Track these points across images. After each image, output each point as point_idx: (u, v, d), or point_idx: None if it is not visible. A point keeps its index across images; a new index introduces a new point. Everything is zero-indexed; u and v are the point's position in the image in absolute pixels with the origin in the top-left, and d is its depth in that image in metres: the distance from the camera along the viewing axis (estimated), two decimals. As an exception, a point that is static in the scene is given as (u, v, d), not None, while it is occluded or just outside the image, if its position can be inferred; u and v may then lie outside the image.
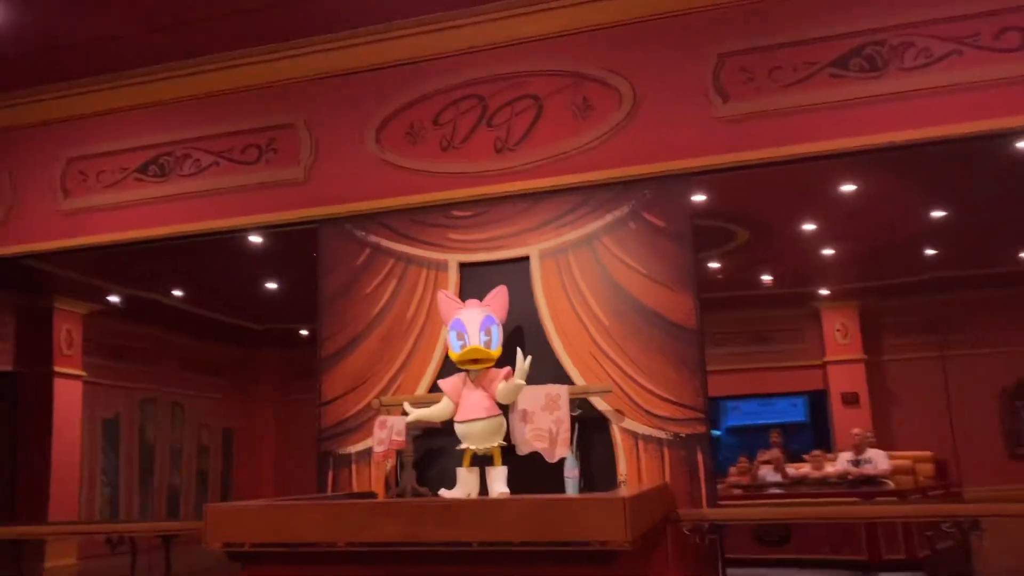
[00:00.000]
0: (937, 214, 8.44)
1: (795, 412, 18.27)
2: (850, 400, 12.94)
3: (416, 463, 4.11)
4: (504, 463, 3.77)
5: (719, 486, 8.63)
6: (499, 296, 3.94)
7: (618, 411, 3.95)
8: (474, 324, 3.77)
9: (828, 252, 9.98)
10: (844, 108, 3.92)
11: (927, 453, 9.11)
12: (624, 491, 3.16)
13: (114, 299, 10.64)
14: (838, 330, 12.96)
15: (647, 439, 3.90)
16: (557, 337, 4.10)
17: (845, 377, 12.94)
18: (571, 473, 3.56)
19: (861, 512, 4.59)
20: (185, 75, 4.87)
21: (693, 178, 4.11)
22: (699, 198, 7.70)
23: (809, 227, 8.90)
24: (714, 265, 10.46)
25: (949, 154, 5.90)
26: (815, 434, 14.59)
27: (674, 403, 3.89)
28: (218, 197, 4.76)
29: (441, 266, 4.34)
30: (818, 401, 14.24)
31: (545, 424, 3.83)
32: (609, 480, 3.91)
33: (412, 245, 4.40)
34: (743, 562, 6.94)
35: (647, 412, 3.92)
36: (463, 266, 4.32)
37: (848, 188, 7.59)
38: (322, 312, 4.49)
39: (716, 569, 3.68)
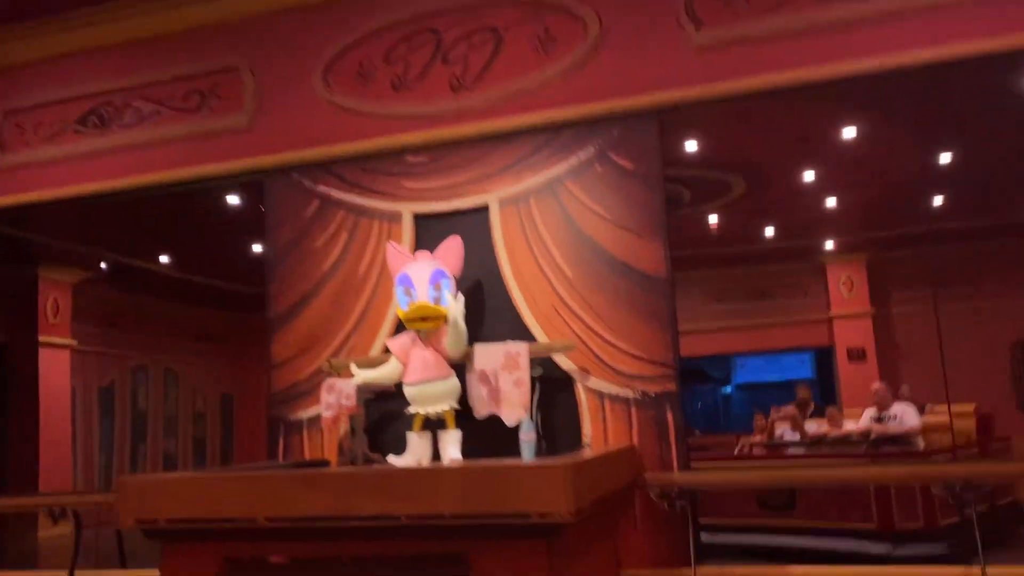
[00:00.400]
0: (945, 158, 8.01)
1: (802, 368, 18.01)
2: (857, 355, 12.60)
3: (370, 428, 3.85)
4: (460, 426, 3.49)
5: (739, 446, 8.24)
6: (452, 248, 3.63)
7: (583, 369, 3.65)
8: (423, 279, 3.46)
9: (831, 202, 9.57)
10: (832, 31, 3.54)
11: (969, 407, 8.20)
12: (578, 456, 2.87)
13: (102, 266, 10.40)
14: (844, 284, 12.58)
15: (614, 399, 3.60)
16: (519, 291, 3.78)
17: (851, 332, 12.59)
18: (527, 437, 3.26)
19: (839, 476, 4.20)
20: (123, 18, 4.52)
21: (665, 114, 3.74)
22: (691, 146, 7.37)
23: (809, 176, 8.49)
24: (713, 219, 10.09)
25: (954, 87, 5.51)
26: (822, 390, 14.33)
27: (643, 359, 3.58)
28: (160, 148, 4.44)
29: (395, 218, 4.01)
30: (825, 357, 13.94)
31: (504, 385, 3.54)
32: (574, 443, 3.62)
33: (364, 195, 4.08)
34: (746, 528, 6.58)
35: (614, 370, 3.61)
36: (418, 217, 3.99)
37: (849, 132, 7.18)
38: (270, 269, 4.19)
39: (688, 538, 3.40)
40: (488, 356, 3.59)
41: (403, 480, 2.57)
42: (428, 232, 3.94)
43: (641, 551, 3.50)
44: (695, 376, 20.14)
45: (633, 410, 3.57)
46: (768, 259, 12.09)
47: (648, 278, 3.63)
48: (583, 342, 3.65)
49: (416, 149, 4.02)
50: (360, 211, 4.07)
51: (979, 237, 10.48)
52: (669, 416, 3.53)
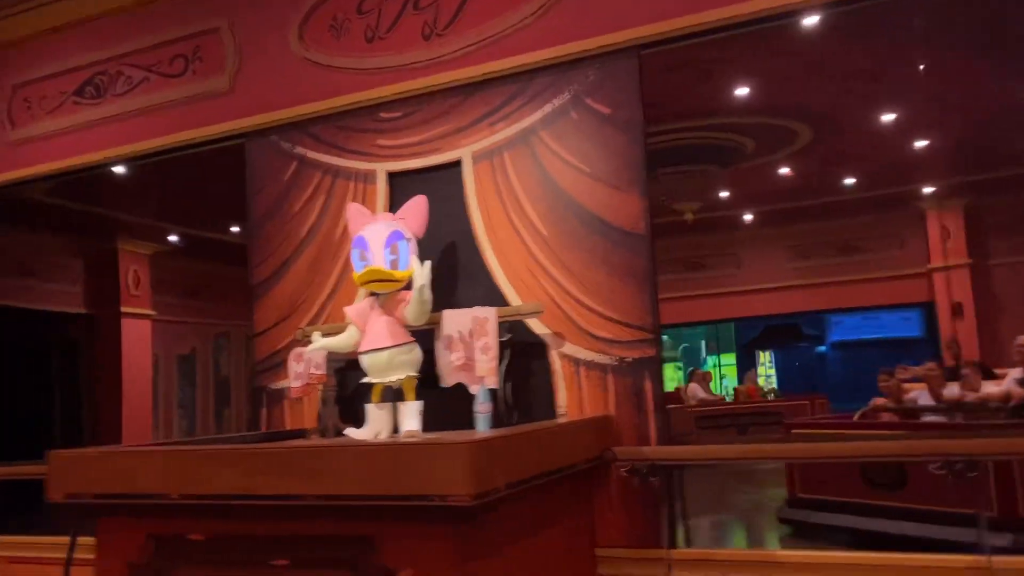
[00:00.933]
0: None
1: (908, 326, 16.85)
2: (956, 310, 11.66)
3: (345, 397, 3.71)
4: (427, 396, 3.29)
5: (864, 408, 7.17)
6: (413, 208, 3.40)
7: (557, 334, 3.38)
8: (378, 241, 3.25)
9: (917, 146, 8.77)
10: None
11: None
12: (498, 431, 2.62)
13: (176, 239, 10.72)
14: (940, 233, 11.62)
15: (590, 365, 3.31)
16: (492, 252, 3.53)
17: (951, 285, 11.65)
18: (482, 408, 3.04)
19: (806, 451, 3.55)
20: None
21: (642, 52, 3.37)
22: (742, 92, 6.85)
23: (886, 119, 7.77)
24: (784, 171, 9.46)
25: None
26: (935, 350, 13.39)
27: (619, 323, 3.28)
28: (149, 115, 4.40)
29: (369, 177, 3.82)
30: (931, 313, 12.97)
31: (471, 352, 3.32)
32: (548, 413, 3.37)
33: (339, 155, 3.90)
34: (850, 508, 5.98)
35: (589, 334, 3.32)
36: (392, 176, 3.79)
37: (919, 67, 6.48)
38: (252, 236, 4.08)
39: (662, 519, 3.10)
40: (455, 322, 3.37)
41: (304, 458, 2.40)
42: (404, 191, 3.72)
43: (620, 530, 3.23)
44: (790, 333, 19.27)
45: (610, 377, 3.28)
46: (853, 210, 11.28)
47: (626, 235, 3.30)
48: (557, 305, 3.38)
49: (389, 104, 3.80)
50: (336, 172, 3.90)
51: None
52: (647, 384, 3.22)
